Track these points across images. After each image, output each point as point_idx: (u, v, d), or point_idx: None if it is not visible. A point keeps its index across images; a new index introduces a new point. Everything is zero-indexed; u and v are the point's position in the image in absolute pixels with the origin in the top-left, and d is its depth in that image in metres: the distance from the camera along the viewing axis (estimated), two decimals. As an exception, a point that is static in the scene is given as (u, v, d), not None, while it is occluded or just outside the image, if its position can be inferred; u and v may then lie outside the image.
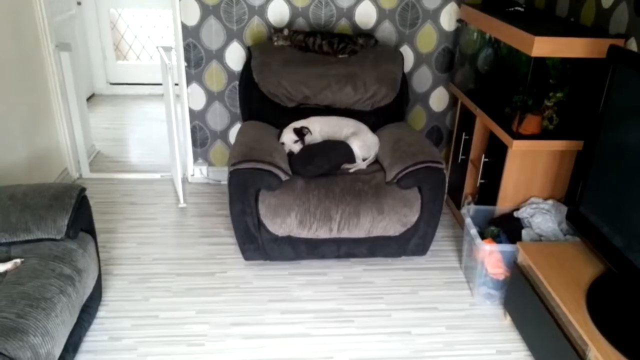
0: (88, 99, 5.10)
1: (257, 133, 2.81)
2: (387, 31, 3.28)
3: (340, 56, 3.04)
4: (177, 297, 2.48)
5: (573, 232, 2.43)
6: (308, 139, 2.83)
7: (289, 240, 2.56)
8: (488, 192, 2.75)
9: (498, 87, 2.67)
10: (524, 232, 2.47)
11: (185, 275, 2.63)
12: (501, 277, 2.41)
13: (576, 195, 2.13)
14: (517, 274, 2.25)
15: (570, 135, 2.43)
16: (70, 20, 3.85)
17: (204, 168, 3.60)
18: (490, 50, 2.79)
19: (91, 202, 2.32)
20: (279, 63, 2.96)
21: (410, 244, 2.66)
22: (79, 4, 4.79)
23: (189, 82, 3.36)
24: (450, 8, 3.24)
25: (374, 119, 3.02)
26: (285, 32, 3.06)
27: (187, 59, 3.29)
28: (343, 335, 2.28)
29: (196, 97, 3.41)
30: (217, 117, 3.48)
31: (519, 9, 2.88)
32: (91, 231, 2.29)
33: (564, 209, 2.46)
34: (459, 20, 3.24)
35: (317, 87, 2.96)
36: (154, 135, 4.37)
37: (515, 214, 2.56)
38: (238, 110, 3.42)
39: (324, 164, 2.63)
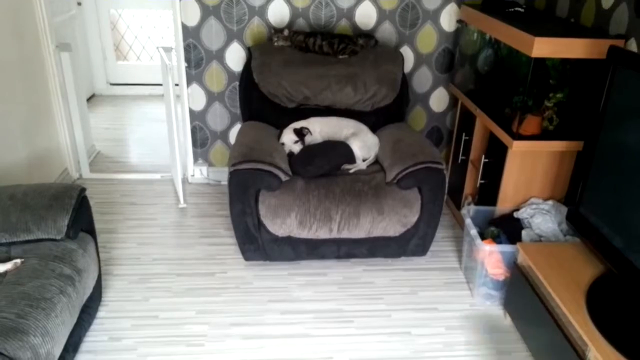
0: (88, 100, 5.10)
1: (257, 133, 2.81)
2: (387, 32, 3.28)
3: (340, 57, 3.04)
4: (177, 297, 2.48)
5: (573, 233, 2.43)
6: (308, 139, 2.83)
7: (289, 240, 2.56)
8: (488, 193, 2.75)
9: (498, 88, 2.67)
10: (524, 232, 2.47)
11: (185, 276, 2.63)
12: (501, 278, 2.41)
13: (576, 196, 2.13)
14: (517, 275, 2.25)
15: (571, 135, 2.43)
16: (71, 20, 3.85)
17: (204, 168, 3.60)
18: (490, 51, 2.79)
19: (91, 203, 2.32)
20: (279, 63, 2.96)
21: (410, 244, 2.66)
22: (79, 4, 4.79)
23: (189, 83, 3.36)
24: (450, 9, 3.24)
25: (374, 120, 3.03)
26: (286, 32, 3.06)
27: (187, 60, 3.29)
28: (343, 336, 2.28)
29: (196, 98, 3.41)
30: (217, 118, 3.48)
31: (519, 9, 2.88)
32: (91, 231, 2.29)
33: (564, 210, 2.46)
34: (459, 21, 3.24)
35: (317, 88, 2.96)
36: (154, 135, 4.37)
37: (515, 215, 2.56)
38: (238, 111, 3.42)
39: (324, 164, 2.63)
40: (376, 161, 2.83)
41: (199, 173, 3.60)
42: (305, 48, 3.07)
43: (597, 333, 1.75)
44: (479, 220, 2.62)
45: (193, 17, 3.17)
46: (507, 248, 2.35)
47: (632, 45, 2.24)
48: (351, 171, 2.72)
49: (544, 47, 2.22)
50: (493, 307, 2.48)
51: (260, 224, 2.52)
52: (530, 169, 2.54)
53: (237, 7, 3.16)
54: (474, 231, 2.46)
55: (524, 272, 2.21)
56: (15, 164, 2.87)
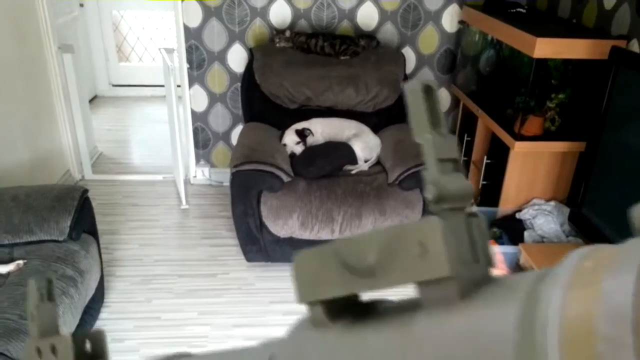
0: (90, 101, 5.10)
1: (259, 134, 2.81)
2: (389, 33, 3.28)
3: (342, 58, 3.04)
4: (179, 298, 2.48)
5: (575, 234, 2.42)
6: (310, 140, 2.83)
7: (291, 241, 2.56)
8: (490, 194, 2.74)
9: (500, 89, 2.66)
10: (526, 233, 2.46)
11: (187, 277, 2.63)
12: (503, 279, 2.41)
13: (578, 197, 2.13)
14: (519, 276, 2.24)
15: (573, 136, 2.43)
16: (73, 22, 3.87)
17: (206, 169, 3.60)
18: (492, 52, 2.79)
19: (93, 204, 2.33)
20: (281, 65, 2.97)
21: (412, 245, 2.66)
22: (81, 5, 4.80)
23: (191, 84, 3.37)
24: (452, 9, 3.24)
25: (376, 121, 3.02)
26: (287, 33, 3.07)
27: (189, 61, 3.30)
28: (345, 337, 2.28)
29: (198, 99, 3.41)
30: (219, 119, 3.48)
31: (521, 10, 2.87)
32: (93, 232, 2.29)
33: (566, 211, 2.46)
34: (461, 22, 3.24)
35: (318, 89, 2.96)
36: (156, 136, 4.38)
37: (518, 216, 2.55)
38: (240, 112, 3.42)
39: (326, 165, 2.63)
40: (378, 162, 2.83)
41: (201, 174, 3.61)
42: (307, 49, 3.07)
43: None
44: (481, 221, 2.61)
45: (195, 18, 3.18)
46: (510, 249, 2.35)
47: (634, 46, 2.24)
48: (353, 172, 2.72)
49: (545, 48, 2.22)
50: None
51: (262, 225, 2.52)
52: (533, 169, 2.54)
53: (239, 8, 3.16)
54: (476, 232, 2.45)
55: (526, 273, 2.21)
56: (18, 165, 2.87)
